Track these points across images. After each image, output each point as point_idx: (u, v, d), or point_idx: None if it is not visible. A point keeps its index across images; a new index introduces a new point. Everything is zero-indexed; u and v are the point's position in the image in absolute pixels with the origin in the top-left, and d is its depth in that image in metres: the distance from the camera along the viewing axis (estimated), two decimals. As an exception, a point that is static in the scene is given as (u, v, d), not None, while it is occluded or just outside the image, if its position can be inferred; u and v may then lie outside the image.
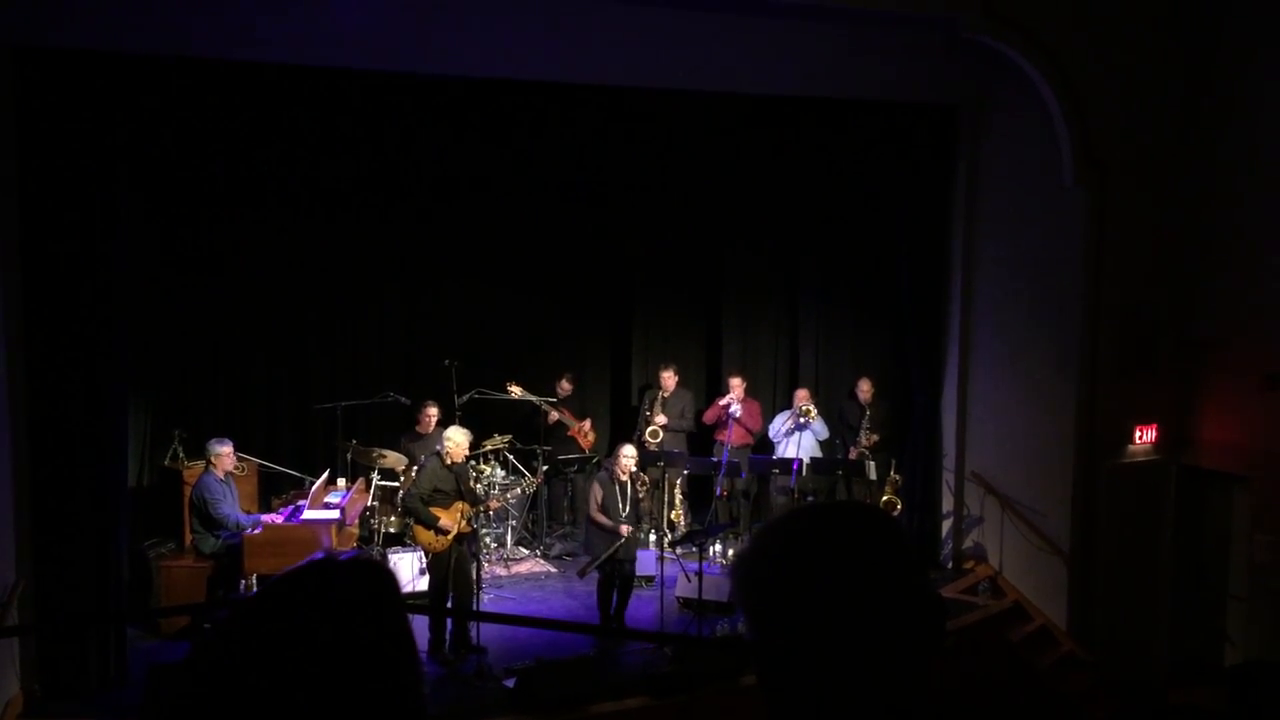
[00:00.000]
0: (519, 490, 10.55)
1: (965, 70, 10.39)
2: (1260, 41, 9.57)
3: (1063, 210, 9.92)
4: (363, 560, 1.31)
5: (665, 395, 11.48)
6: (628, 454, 9.32)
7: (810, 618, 1.22)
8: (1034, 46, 9.35)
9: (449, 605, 8.96)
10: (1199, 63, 9.95)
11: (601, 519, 9.16)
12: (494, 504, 10.03)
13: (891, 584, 1.24)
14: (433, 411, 10.39)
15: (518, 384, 11.07)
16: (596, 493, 9.27)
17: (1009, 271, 10.64)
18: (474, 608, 8.92)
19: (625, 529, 9.10)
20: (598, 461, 11.77)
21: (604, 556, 9.08)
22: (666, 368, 11.58)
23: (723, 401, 11.31)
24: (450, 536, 8.67)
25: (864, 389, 11.30)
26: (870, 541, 1.26)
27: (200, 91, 8.42)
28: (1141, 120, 9.90)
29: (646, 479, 10.15)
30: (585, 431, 11.65)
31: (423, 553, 9.07)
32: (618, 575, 9.26)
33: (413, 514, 8.79)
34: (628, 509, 9.25)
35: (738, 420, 11.17)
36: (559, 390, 11.53)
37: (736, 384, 11.35)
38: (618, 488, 9.24)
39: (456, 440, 8.82)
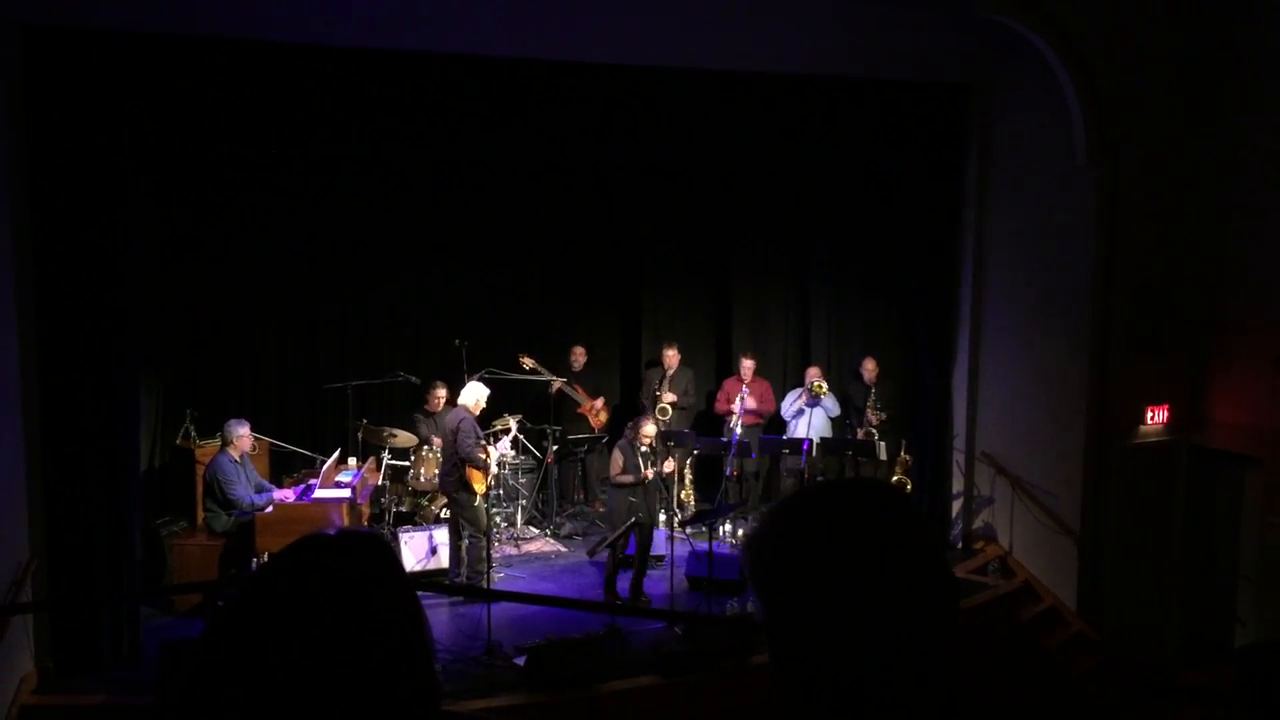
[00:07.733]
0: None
1: (979, 50, 10.30)
2: (1278, 18, 9.47)
3: (1075, 190, 9.86)
4: (357, 533, 1.31)
5: (669, 373, 11.49)
6: (649, 431, 9.43)
7: (823, 596, 1.20)
8: (1048, 24, 9.26)
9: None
10: (1215, 42, 9.84)
11: (623, 478, 9.27)
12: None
13: (906, 562, 1.22)
14: (441, 392, 10.48)
15: (530, 356, 11.09)
16: (617, 459, 9.35)
17: (1021, 252, 10.59)
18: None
19: (647, 473, 9.25)
20: (608, 441, 11.77)
21: (614, 536, 9.11)
22: (670, 345, 11.59)
23: (731, 404, 11.31)
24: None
25: (869, 368, 11.28)
26: (884, 519, 1.24)
27: (210, 70, 8.40)
28: (1156, 100, 9.82)
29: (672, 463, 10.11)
30: (597, 410, 11.66)
31: (459, 516, 9.30)
32: (636, 535, 9.33)
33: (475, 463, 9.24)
34: (651, 469, 9.42)
35: (748, 409, 11.18)
36: (572, 360, 11.56)
37: (747, 366, 11.36)
38: (639, 455, 9.34)
39: (479, 395, 9.43)
